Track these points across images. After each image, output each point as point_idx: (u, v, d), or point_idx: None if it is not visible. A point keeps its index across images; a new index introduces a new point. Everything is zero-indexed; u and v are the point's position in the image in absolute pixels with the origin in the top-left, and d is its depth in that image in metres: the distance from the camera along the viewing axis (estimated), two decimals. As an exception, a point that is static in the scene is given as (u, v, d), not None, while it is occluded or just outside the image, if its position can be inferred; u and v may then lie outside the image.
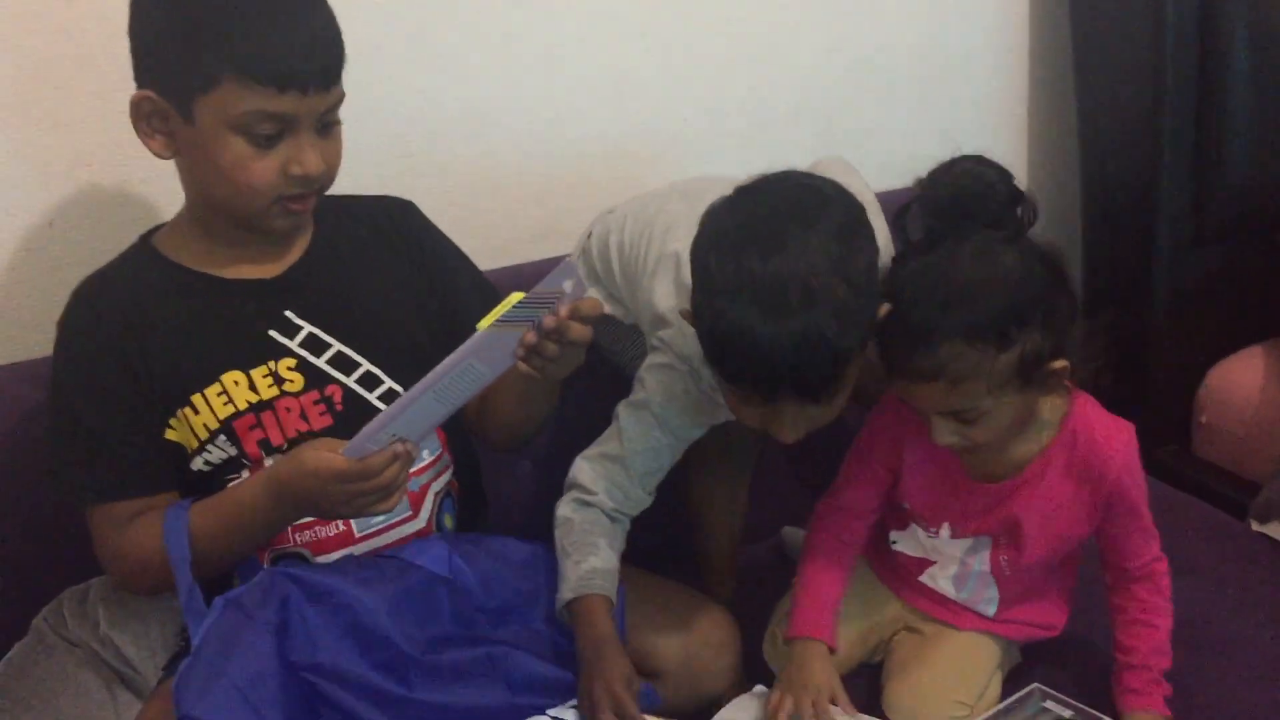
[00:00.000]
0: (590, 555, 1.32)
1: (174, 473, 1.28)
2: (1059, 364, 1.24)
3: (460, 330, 1.38)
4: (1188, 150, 1.97)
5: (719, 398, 1.32)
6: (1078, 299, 1.28)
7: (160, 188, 1.53)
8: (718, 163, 1.86)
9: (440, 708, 1.14)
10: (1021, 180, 2.13)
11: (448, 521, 1.37)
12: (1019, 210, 1.23)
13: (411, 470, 1.30)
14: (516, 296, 1.10)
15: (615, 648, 1.26)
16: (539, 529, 1.37)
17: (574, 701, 1.23)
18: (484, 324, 1.09)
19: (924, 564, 1.43)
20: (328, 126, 1.24)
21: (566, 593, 1.30)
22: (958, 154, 1.26)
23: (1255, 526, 1.70)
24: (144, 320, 1.27)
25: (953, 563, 1.40)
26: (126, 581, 1.29)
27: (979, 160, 1.24)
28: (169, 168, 1.29)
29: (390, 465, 1.14)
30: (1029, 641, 1.45)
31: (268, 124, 1.19)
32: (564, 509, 1.37)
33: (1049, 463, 1.32)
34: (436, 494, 1.35)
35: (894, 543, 1.44)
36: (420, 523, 1.33)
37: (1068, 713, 1.35)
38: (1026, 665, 1.45)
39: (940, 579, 1.41)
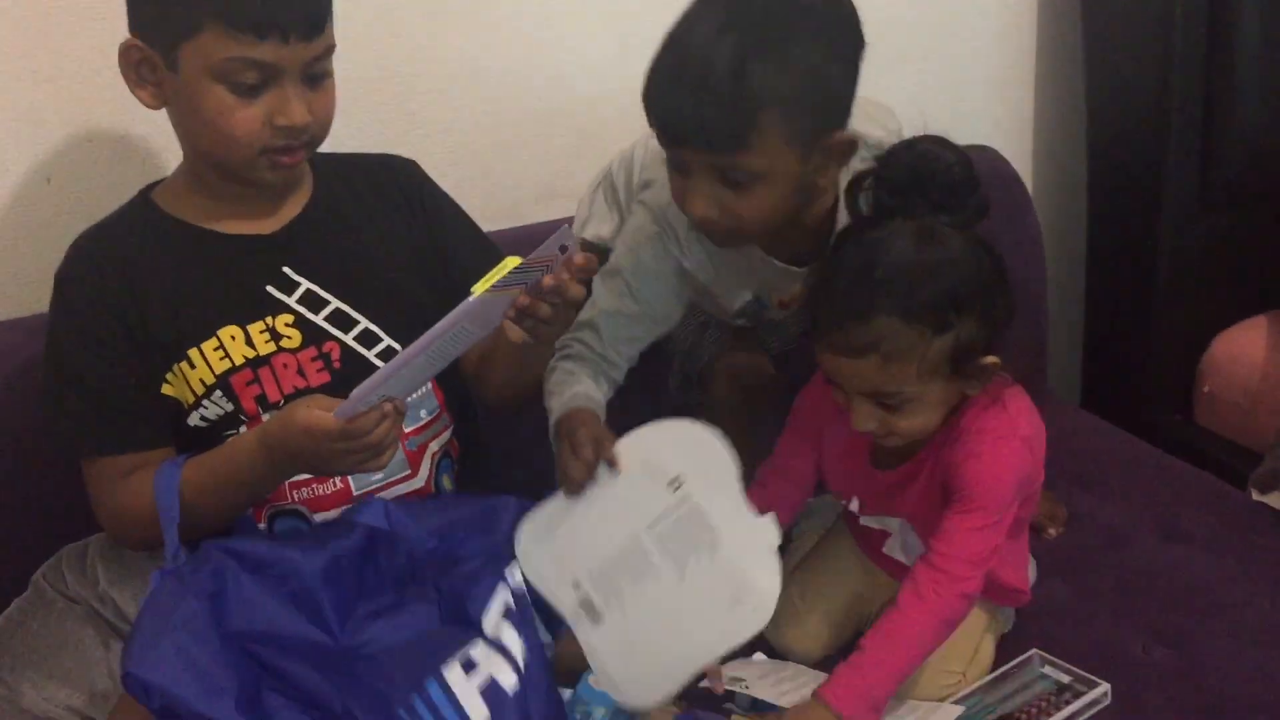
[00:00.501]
0: (574, 385, 1.33)
1: (170, 428, 1.28)
2: (990, 359, 1.23)
3: (459, 288, 1.37)
4: (1195, 115, 1.95)
5: (686, 262, 1.36)
6: (1014, 301, 1.26)
7: (159, 143, 1.52)
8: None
9: (382, 650, 1.14)
10: (1027, 144, 2.13)
11: (446, 482, 1.36)
12: (972, 199, 1.22)
13: (409, 429, 1.30)
14: (513, 262, 1.10)
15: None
16: (543, 489, 1.36)
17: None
18: (478, 289, 1.08)
19: (883, 536, 1.43)
20: (317, 78, 1.23)
21: (555, 414, 1.31)
22: (932, 130, 1.24)
23: (1256, 496, 1.70)
24: (141, 274, 1.26)
25: (898, 533, 1.40)
26: (121, 536, 1.29)
27: (940, 142, 1.22)
28: (168, 123, 1.28)
29: (380, 424, 1.14)
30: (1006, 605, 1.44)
31: (249, 72, 1.17)
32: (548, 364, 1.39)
33: (933, 448, 1.30)
34: (434, 454, 1.35)
35: (861, 518, 1.44)
36: (419, 481, 1.33)
37: (1066, 677, 1.35)
38: (1023, 631, 1.45)
39: (895, 549, 1.41)
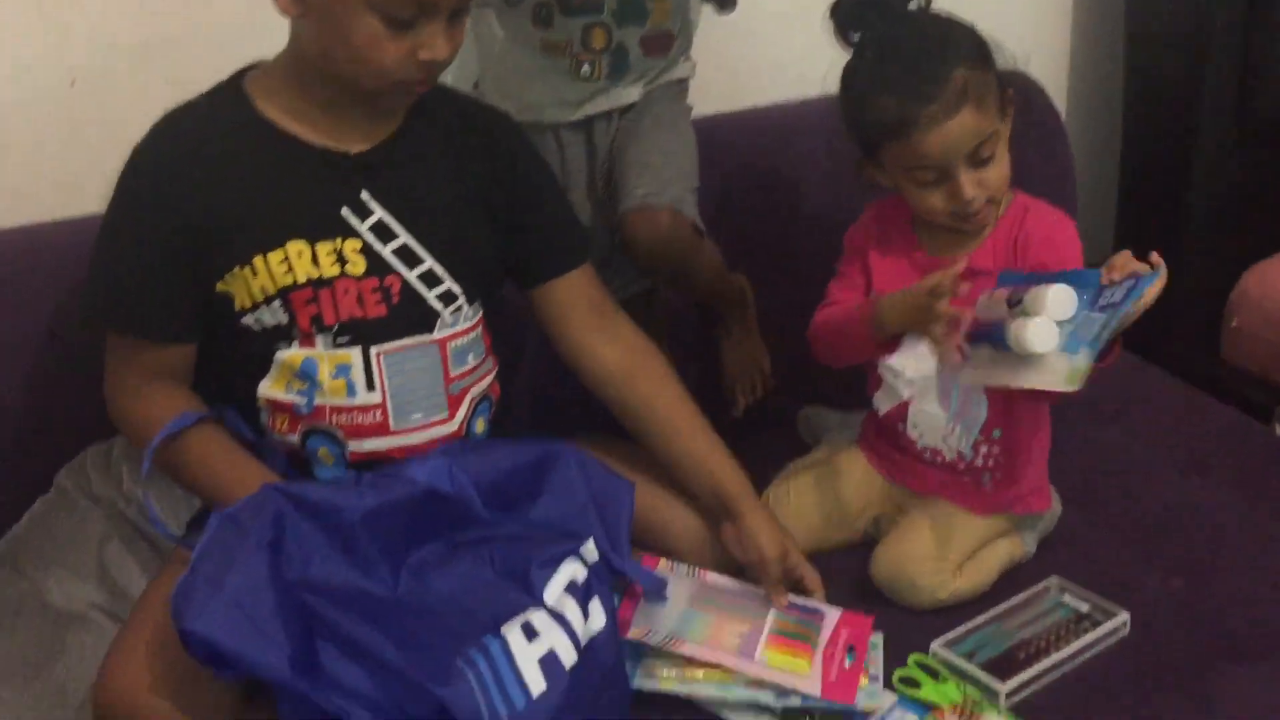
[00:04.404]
0: None
1: (201, 327, 1.26)
2: (1009, 90, 1.36)
3: (525, 264, 1.39)
4: (1235, 48, 1.92)
5: None
6: None
7: (184, 48, 1.50)
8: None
9: (437, 600, 1.13)
10: (1064, 73, 2.10)
11: (479, 425, 1.35)
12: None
13: (456, 373, 1.30)
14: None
15: None
16: (544, 427, 1.36)
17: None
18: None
19: (905, 410, 1.43)
20: (458, 14, 1.21)
21: None
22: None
23: (1280, 431, 1.70)
24: (219, 171, 1.23)
25: (929, 383, 1.39)
26: (112, 418, 1.29)
27: None
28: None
29: None
30: (1016, 510, 1.44)
31: (409, 7, 1.16)
32: None
33: (996, 238, 1.38)
34: (473, 399, 1.33)
35: (877, 408, 1.44)
36: (453, 425, 1.31)
37: (1085, 606, 1.35)
38: (1042, 560, 1.45)
39: (927, 408, 1.40)
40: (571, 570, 1.17)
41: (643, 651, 1.26)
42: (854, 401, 1.62)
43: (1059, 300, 1.22)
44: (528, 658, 1.09)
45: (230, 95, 1.27)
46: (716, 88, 1.65)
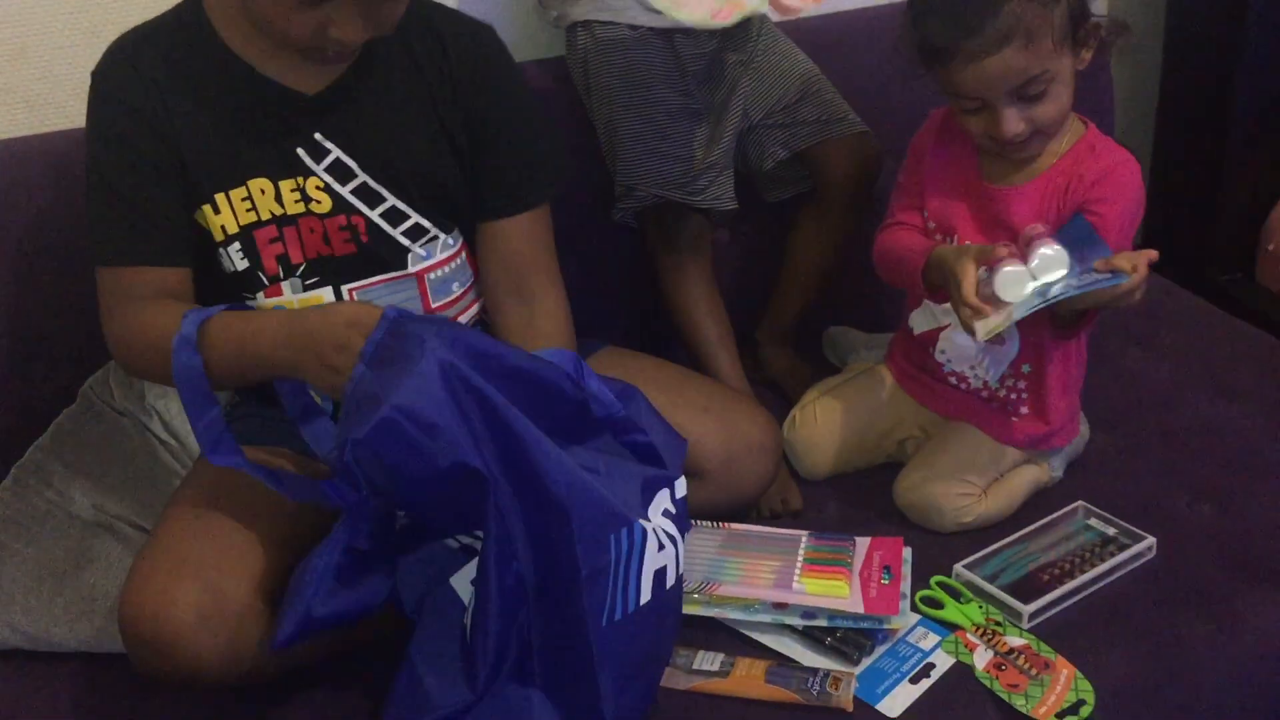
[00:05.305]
0: None
1: (194, 250, 1.23)
2: (1095, 18, 1.29)
3: (488, 183, 1.30)
4: (1282, -38, 1.86)
5: None
6: None
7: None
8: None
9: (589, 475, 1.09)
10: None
11: None
12: None
13: (439, 304, 1.29)
14: None
15: None
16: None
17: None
18: None
19: (936, 334, 1.41)
20: None
21: None
22: None
23: (1314, 357, 1.67)
24: (180, 96, 1.20)
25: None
26: (124, 361, 1.24)
27: None
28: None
29: None
30: (1042, 448, 1.43)
31: None
32: None
33: (1054, 174, 1.34)
34: (466, 324, 1.33)
35: (912, 326, 1.43)
36: None
37: (1111, 530, 1.35)
38: (1069, 483, 1.44)
39: (958, 338, 1.38)
40: (664, 502, 1.15)
41: None
42: (880, 322, 1.61)
43: (1049, 260, 1.21)
44: (648, 566, 1.09)
45: (190, 20, 1.22)
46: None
